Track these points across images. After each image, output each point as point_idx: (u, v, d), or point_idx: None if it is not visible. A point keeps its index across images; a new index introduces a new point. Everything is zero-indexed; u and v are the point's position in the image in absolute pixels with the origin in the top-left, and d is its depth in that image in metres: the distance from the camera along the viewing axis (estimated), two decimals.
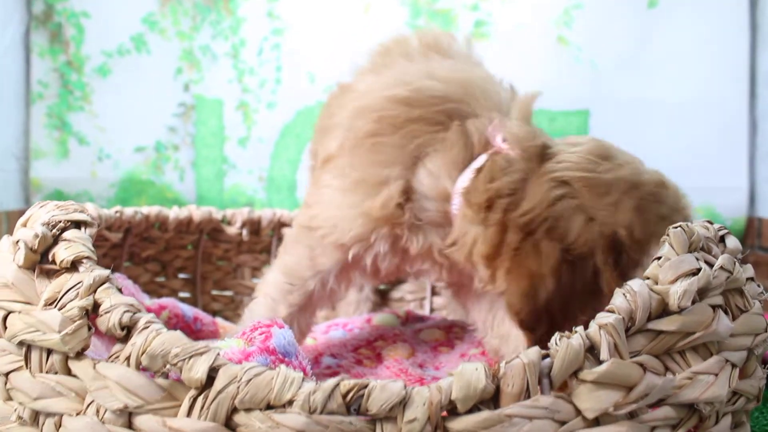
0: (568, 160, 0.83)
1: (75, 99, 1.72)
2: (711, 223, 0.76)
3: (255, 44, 1.71)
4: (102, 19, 1.71)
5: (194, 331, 1.15)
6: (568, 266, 0.79)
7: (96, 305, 0.63)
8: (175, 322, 1.12)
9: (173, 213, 1.26)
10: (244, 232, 1.35)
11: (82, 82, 1.71)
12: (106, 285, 0.64)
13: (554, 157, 0.84)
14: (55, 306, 0.63)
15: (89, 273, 0.65)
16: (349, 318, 1.25)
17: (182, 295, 1.35)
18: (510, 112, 0.93)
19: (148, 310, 1.06)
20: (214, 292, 1.39)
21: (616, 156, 0.86)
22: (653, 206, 0.82)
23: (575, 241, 0.79)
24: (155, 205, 1.66)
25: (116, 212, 1.12)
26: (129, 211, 1.16)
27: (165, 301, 1.13)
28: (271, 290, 0.99)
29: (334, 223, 0.92)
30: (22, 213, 0.78)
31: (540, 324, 0.81)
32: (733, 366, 0.63)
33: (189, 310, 1.16)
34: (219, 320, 1.25)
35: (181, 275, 1.35)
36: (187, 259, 1.34)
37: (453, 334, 1.15)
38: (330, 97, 1.18)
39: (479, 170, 0.87)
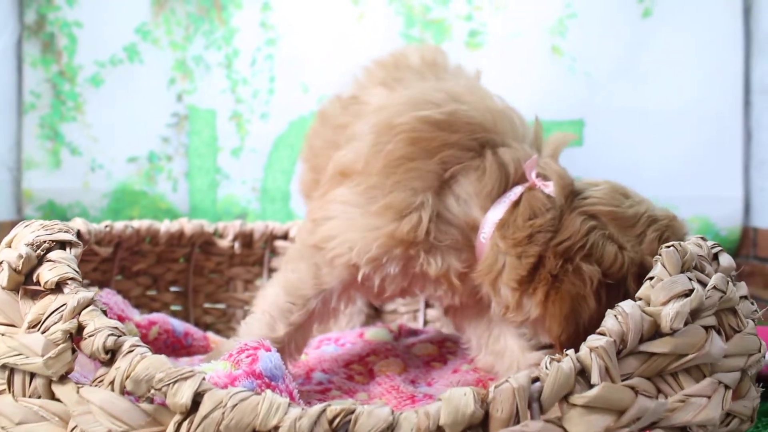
0: (594, 196, 0.87)
1: (67, 109, 1.71)
2: (704, 239, 0.75)
3: (248, 54, 1.71)
4: (95, 29, 1.71)
5: (185, 346, 1.14)
6: (606, 289, 0.82)
7: (80, 328, 0.62)
8: (165, 338, 1.11)
9: (164, 226, 1.25)
10: (236, 244, 1.34)
11: (75, 93, 1.71)
12: (91, 307, 0.63)
13: (581, 194, 0.88)
14: (39, 329, 0.62)
15: (73, 295, 0.64)
16: (341, 331, 1.24)
17: (174, 308, 1.34)
18: (535, 144, 0.96)
19: (138, 326, 1.06)
20: (207, 305, 1.38)
21: (632, 194, 0.91)
22: (671, 237, 0.85)
23: (611, 266, 0.83)
24: (148, 215, 1.66)
25: (106, 227, 1.11)
26: (119, 225, 1.15)
27: (155, 316, 1.12)
28: (270, 307, 0.96)
29: (351, 245, 0.90)
30: (13, 224, 0.77)
31: (580, 345, 0.81)
32: (727, 388, 0.63)
33: (180, 325, 1.15)
34: (210, 334, 1.24)
35: (173, 288, 1.34)
36: (178, 273, 1.33)
37: (446, 348, 1.14)
38: (328, 108, 1.15)
39: (515, 203, 0.88)
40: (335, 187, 0.95)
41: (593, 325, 0.80)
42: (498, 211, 0.89)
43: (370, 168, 0.91)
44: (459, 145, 0.91)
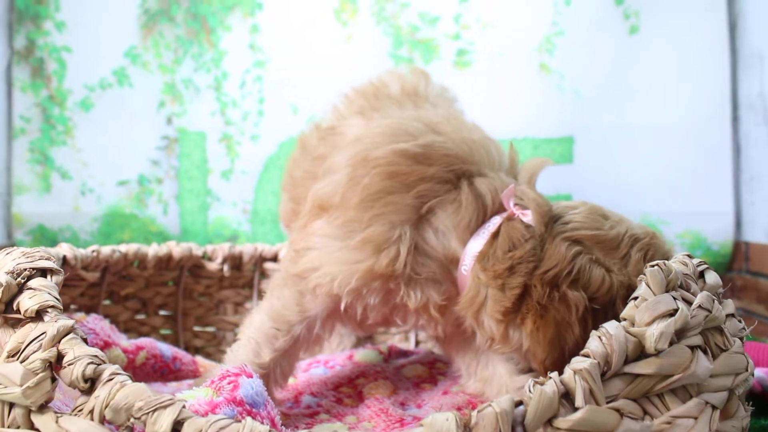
0: (575, 220, 0.86)
1: (57, 133, 1.71)
2: (690, 257, 0.75)
3: (237, 77, 1.71)
4: (84, 53, 1.71)
5: (173, 371, 1.13)
6: (592, 314, 0.81)
7: (60, 356, 0.62)
8: (153, 363, 1.10)
9: (152, 250, 1.24)
10: (226, 267, 1.34)
11: (65, 117, 1.71)
12: (71, 335, 0.62)
13: (560, 218, 0.87)
14: (18, 358, 0.62)
15: (53, 323, 0.63)
16: (331, 353, 1.23)
17: (164, 332, 1.32)
18: (511, 172, 0.95)
19: (126, 352, 1.05)
20: (196, 329, 1.36)
21: (610, 214, 0.89)
22: (656, 255, 0.84)
23: (599, 289, 0.81)
24: (139, 238, 1.66)
25: (93, 251, 1.10)
26: (106, 249, 1.14)
27: (143, 341, 1.11)
28: (255, 334, 0.96)
29: (333, 277, 0.90)
30: (3, 248, 0.76)
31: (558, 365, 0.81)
32: (714, 408, 0.62)
33: (168, 350, 1.14)
34: (199, 359, 1.23)
35: (162, 312, 1.33)
36: (167, 296, 1.32)
37: (436, 369, 1.13)
38: (308, 138, 1.15)
39: (495, 234, 0.87)
40: (315, 220, 0.95)
41: (578, 349, 0.80)
42: (477, 243, 0.88)
43: (348, 201, 0.91)
44: (436, 177, 0.90)
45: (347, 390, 1.05)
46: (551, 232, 0.85)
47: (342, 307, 0.92)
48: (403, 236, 0.88)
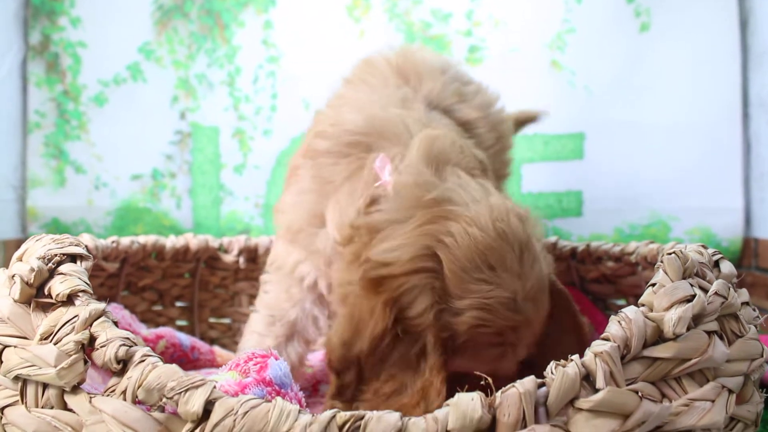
0: (455, 234, 0.78)
1: (72, 128, 1.72)
2: (705, 247, 0.76)
3: (250, 72, 1.72)
4: (98, 48, 1.73)
5: (191, 360, 1.15)
6: (392, 339, 0.77)
7: (92, 339, 0.63)
8: (172, 352, 1.12)
9: (170, 242, 1.26)
10: (241, 259, 1.35)
11: (79, 111, 1.72)
12: (102, 318, 0.64)
13: (446, 220, 0.79)
14: (51, 340, 0.63)
15: (85, 307, 0.65)
16: None
17: (180, 323, 1.34)
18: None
19: (145, 340, 1.07)
20: (212, 320, 1.38)
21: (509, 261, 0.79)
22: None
23: (412, 319, 0.77)
24: (152, 232, 1.67)
25: (113, 242, 1.12)
26: (125, 240, 1.16)
27: (162, 330, 1.13)
28: (256, 326, 1.01)
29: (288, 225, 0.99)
30: (19, 242, 0.78)
31: (347, 372, 0.81)
32: (730, 392, 0.63)
33: (186, 339, 1.15)
34: (216, 348, 1.25)
35: (179, 303, 1.35)
36: (184, 288, 1.34)
37: None
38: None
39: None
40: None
41: (369, 362, 0.78)
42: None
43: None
44: (335, 153, 0.94)
45: None
46: (420, 228, 0.81)
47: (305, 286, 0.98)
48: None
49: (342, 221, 0.88)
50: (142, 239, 1.20)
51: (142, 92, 1.74)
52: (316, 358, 1.14)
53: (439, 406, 0.72)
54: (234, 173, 1.73)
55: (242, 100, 1.73)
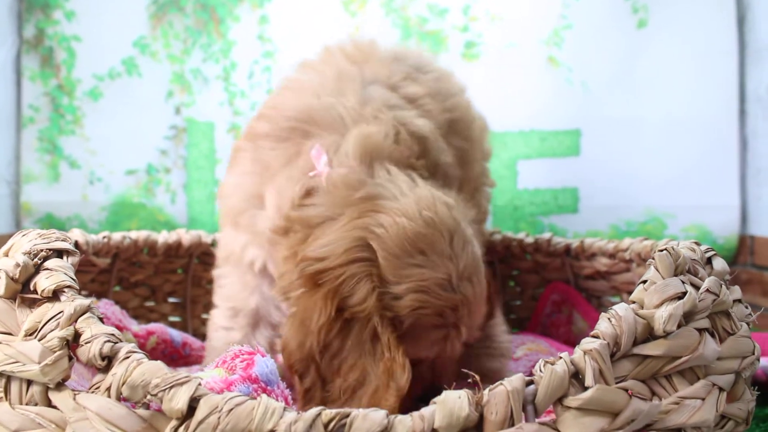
0: (386, 225, 0.81)
1: (66, 123, 1.72)
2: (698, 244, 0.75)
3: (246, 67, 1.72)
4: (93, 42, 1.72)
5: (183, 356, 1.14)
6: (341, 328, 0.80)
7: (77, 335, 0.62)
8: (163, 348, 1.11)
9: (162, 237, 1.25)
10: None
11: (73, 106, 1.71)
12: (87, 314, 0.63)
13: (376, 213, 0.82)
14: (36, 336, 0.63)
15: (70, 303, 0.64)
16: None
17: (172, 319, 1.34)
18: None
19: (136, 336, 1.06)
20: (205, 316, 1.37)
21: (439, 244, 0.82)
22: None
23: (355, 305, 0.79)
24: (147, 227, 1.67)
25: (104, 237, 1.11)
26: (117, 236, 1.15)
27: (153, 326, 1.12)
28: (220, 321, 1.01)
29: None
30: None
31: (307, 374, 0.81)
32: (721, 390, 0.63)
33: (178, 335, 1.15)
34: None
35: (171, 299, 1.34)
36: (176, 283, 1.33)
37: None
38: None
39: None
40: None
41: (325, 358, 0.79)
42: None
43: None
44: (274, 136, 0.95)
45: None
46: (352, 221, 0.83)
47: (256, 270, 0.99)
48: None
49: (280, 206, 0.90)
50: (134, 234, 1.20)
51: (137, 87, 1.73)
52: None
53: (408, 380, 0.74)
54: None
55: (237, 95, 1.72)
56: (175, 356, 1.13)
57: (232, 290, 1.01)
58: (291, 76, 1.06)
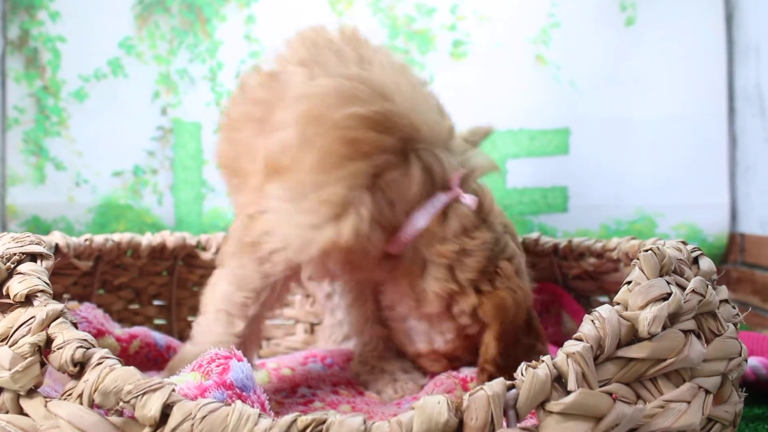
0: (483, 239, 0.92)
1: (51, 124, 1.70)
2: (685, 243, 0.74)
3: (232, 67, 1.70)
4: (78, 43, 1.70)
5: (167, 360, 1.12)
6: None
7: (49, 340, 0.61)
8: (147, 351, 1.09)
9: (146, 239, 1.23)
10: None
11: (59, 107, 1.70)
12: (60, 320, 0.62)
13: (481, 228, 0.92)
14: (7, 342, 0.61)
15: (42, 307, 0.63)
16: (326, 348, 1.22)
17: (157, 321, 1.32)
18: (457, 148, 0.96)
19: (119, 340, 1.05)
20: (190, 319, 1.35)
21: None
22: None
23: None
24: (134, 229, 1.65)
25: (86, 240, 1.09)
26: (99, 238, 1.13)
27: (136, 330, 1.10)
28: (225, 305, 0.97)
29: (287, 243, 0.89)
30: None
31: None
32: (707, 392, 0.62)
33: (161, 339, 1.13)
34: None
35: (156, 302, 1.32)
36: (161, 286, 1.31)
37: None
38: (248, 79, 1.08)
39: (442, 214, 0.90)
40: (267, 182, 0.92)
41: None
42: (423, 218, 0.90)
43: (300, 162, 0.88)
44: (392, 149, 0.88)
45: (345, 391, 1.03)
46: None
47: (302, 274, 0.96)
48: (363, 202, 0.87)
49: (427, 230, 0.93)
50: (117, 237, 1.18)
51: (123, 88, 1.71)
52: (296, 360, 1.12)
53: None
54: (216, 169, 1.70)
55: (224, 95, 1.71)
56: (159, 360, 1.11)
57: (248, 278, 1.01)
58: None
